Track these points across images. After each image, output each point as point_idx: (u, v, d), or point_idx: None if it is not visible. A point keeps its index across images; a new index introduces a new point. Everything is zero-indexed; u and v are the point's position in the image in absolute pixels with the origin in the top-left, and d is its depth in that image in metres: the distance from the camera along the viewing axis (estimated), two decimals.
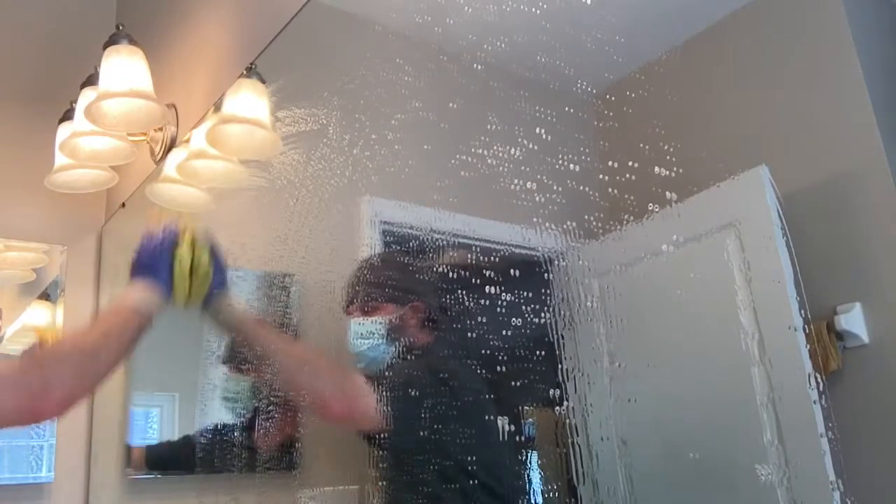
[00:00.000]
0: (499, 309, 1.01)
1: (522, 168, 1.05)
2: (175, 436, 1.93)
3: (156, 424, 1.99)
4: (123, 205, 2.12)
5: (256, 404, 1.51)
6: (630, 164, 0.96)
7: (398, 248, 1.27)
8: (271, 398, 1.43)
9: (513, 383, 1.02)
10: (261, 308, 1.57)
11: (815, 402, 0.78)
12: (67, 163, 1.93)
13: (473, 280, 1.05)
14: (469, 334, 1.09)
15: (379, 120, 1.32)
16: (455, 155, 1.16)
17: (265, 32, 1.53)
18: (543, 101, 1.08)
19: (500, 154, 1.08)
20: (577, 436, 0.95)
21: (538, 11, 1.08)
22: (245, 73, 1.60)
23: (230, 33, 1.79)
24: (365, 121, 1.36)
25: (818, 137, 0.90)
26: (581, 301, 0.99)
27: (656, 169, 0.92)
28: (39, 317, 2.20)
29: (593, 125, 1.07)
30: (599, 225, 0.98)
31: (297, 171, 1.49)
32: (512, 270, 1.03)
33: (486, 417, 1.03)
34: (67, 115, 1.97)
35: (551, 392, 0.96)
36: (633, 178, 0.96)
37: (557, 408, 0.95)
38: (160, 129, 1.89)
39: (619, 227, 0.97)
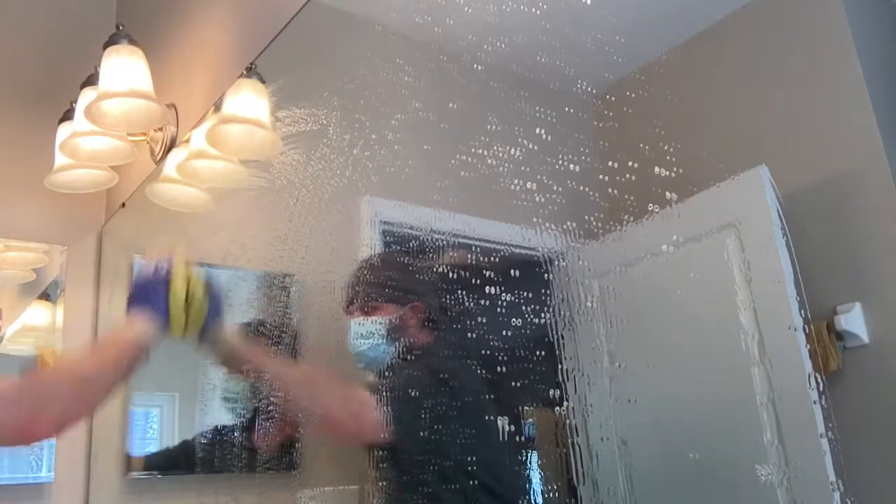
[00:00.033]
0: (499, 309, 1.01)
1: (522, 168, 1.05)
2: (175, 436, 1.93)
3: (156, 424, 1.99)
4: (123, 205, 2.12)
5: (256, 404, 1.51)
6: (630, 164, 0.96)
7: (398, 248, 1.27)
8: (271, 398, 1.43)
9: (513, 383, 1.02)
10: (261, 308, 1.57)
11: (815, 403, 0.78)
12: (67, 163, 1.93)
13: (473, 280, 1.05)
14: (469, 334, 1.09)
15: (379, 120, 1.32)
16: (455, 155, 1.16)
17: (265, 32, 1.53)
18: (543, 101, 1.08)
19: (500, 154, 1.08)
20: (577, 436, 0.95)
21: (538, 12, 1.08)
22: (245, 73, 1.60)
23: (230, 33, 1.79)
24: (365, 121, 1.36)
25: (818, 137, 0.90)
26: (581, 301, 0.99)
27: (656, 169, 0.92)
28: (39, 317, 2.20)
29: (593, 125, 1.07)
30: (599, 225, 0.98)
31: (297, 171, 1.49)
32: (512, 271, 1.03)
33: (486, 417, 1.03)
34: (67, 115, 1.97)
35: (551, 392, 0.96)
36: (633, 178, 0.95)
37: (557, 408, 0.95)
38: (160, 129, 1.89)
39: (619, 227, 0.97)
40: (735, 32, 0.98)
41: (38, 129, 2.10)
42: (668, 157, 0.92)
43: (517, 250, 1.04)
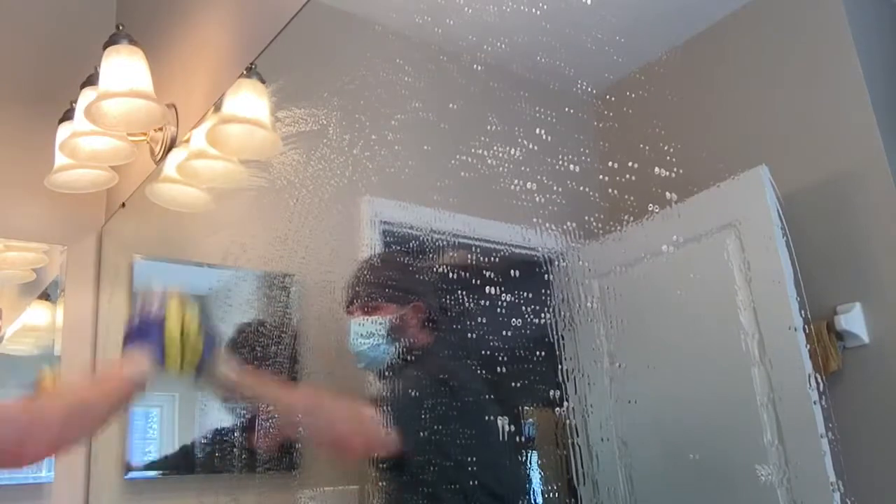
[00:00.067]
0: (499, 309, 1.01)
1: (522, 168, 1.05)
2: (175, 436, 1.93)
3: (156, 424, 1.99)
4: (123, 205, 2.12)
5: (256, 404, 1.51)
6: (630, 164, 0.96)
7: (398, 248, 1.27)
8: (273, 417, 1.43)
9: (513, 384, 1.02)
10: (261, 308, 1.57)
11: (815, 403, 0.78)
12: (67, 163, 1.93)
13: (474, 280, 1.05)
14: (469, 335, 1.09)
15: (379, 120, 1.32)
16: (455, 155, 1.16)
17: (265, 32, 1.53)
18: (543, 101, 1.08)
19: (500, 154, 1.08)
20: (578, 436, 0.95)
21: (538, 12, 1.08)
22: (245, 73, 1.60)
23: (230, 33, 1.79)
24: (365, 121, 1.36)
25: (818, 137, 0.90)
26: (581, 302, 0.99)
27: (656, 169, 0.92)
28: (39, 317, 2.20)
29: (593, 125, 1.07)
30: (599, 225, 0.98)
31: (297, 171, 1.49)
32: (512, 271, 1.03)
33: (487, 418, 1.03)
34: (67, 115, 1.97)
35: (551, 393, 0.96)
36: (633, 178, 0.95)
37: (557, 408, 0.95)
38: (160, 129, 1.89)
39: (619, 227, 0.97)
40: (735, 32, 0.98)
41: (38, 129, 2.10)
42: (668, 158, 0.92)
43: (517, 250, 1.04)
